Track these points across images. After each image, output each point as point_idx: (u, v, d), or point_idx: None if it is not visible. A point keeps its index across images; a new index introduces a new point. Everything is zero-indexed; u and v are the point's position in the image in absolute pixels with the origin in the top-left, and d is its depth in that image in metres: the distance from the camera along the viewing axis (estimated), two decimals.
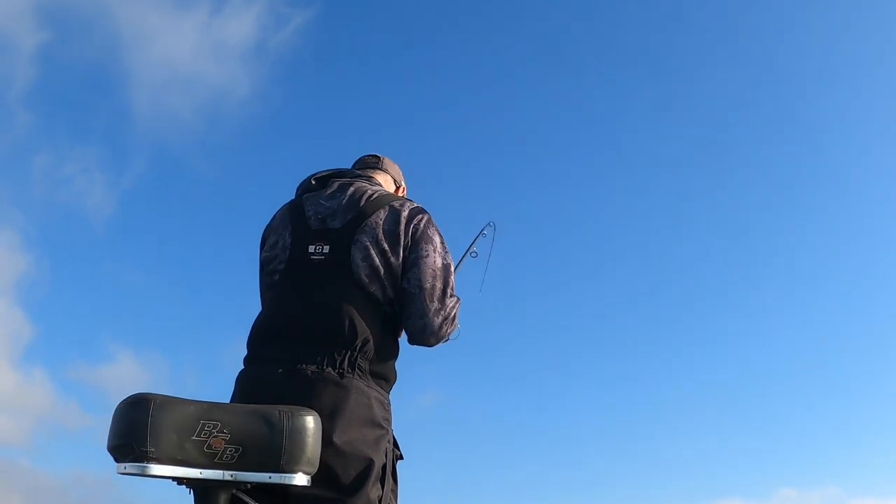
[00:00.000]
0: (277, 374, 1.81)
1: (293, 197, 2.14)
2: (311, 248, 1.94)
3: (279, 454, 1.59)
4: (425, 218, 2.02)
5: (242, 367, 1.94)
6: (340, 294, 1.88)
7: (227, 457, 1.57)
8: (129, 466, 1.53)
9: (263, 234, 2.12)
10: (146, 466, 1.53)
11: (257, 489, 1.66)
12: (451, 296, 2.00)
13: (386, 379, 1.93)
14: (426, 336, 1.97)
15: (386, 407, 1.90)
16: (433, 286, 1.95)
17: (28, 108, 9.86)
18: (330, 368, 1.81)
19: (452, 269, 2.03)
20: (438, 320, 1.96)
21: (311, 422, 1.65)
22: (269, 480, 1.59)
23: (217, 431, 1.57)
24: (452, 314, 2.00)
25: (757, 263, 10.74)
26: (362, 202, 1.99)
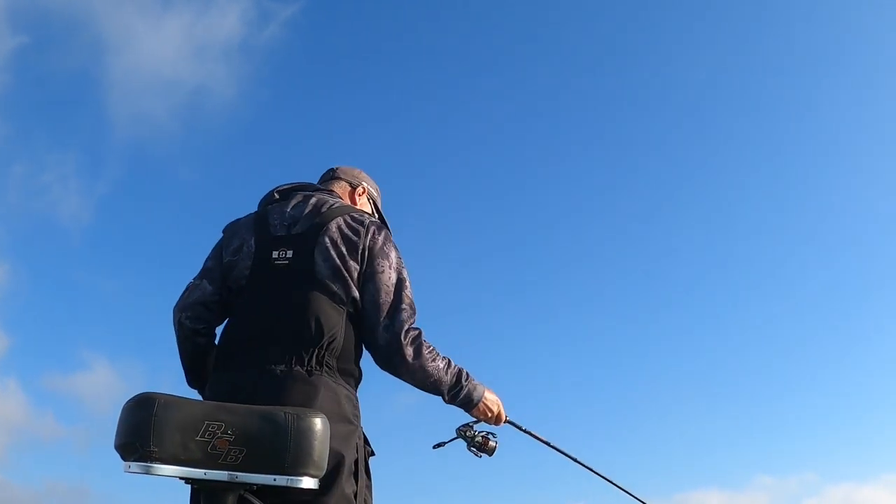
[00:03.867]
0: (247, 377, 1.84)
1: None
2: (275, 254, 1.98)
3: (284, 456, 1.55)
4: (384, 233, 2.05)
5: (213, 375, 1.96)
6: (305, 295, 1.91)
7: (231, 458, 1.54)
8: (134, 465, 1.52)
9: (227, 230, 2.14)
10: (150, 466, 1.51)
11: (265, 491, 1.63)
12: (404, 310, 1.96)
13: (353, 375, 1.96)
14: (376, 352, 1.97)
15: (355, 403, 1.94)
16: (384, 301, 1.96)
17: (2, 117, 9.65)
18: (298, 367, 1.85)
19: (408, 284, 2.02)
20: (388, 336, 1.94)
21: (318, 424, 1.60)
22: (273, 483, 1.56)
23: (221, 432, 1.54)
24: (405, 329, 1.93)
25: (731, 256, 10.69)
26: (323, 209, 2.05)
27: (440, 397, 2.04)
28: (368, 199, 2.35)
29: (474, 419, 2.16)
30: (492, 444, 2.21)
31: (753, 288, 10.68)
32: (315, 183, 2.28)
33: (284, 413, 1.59)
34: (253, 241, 2.02)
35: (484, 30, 10.73)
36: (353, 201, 2.28)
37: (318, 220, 2.01)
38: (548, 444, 2.33)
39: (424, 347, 1.95)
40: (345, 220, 2.02)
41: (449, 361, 2.01)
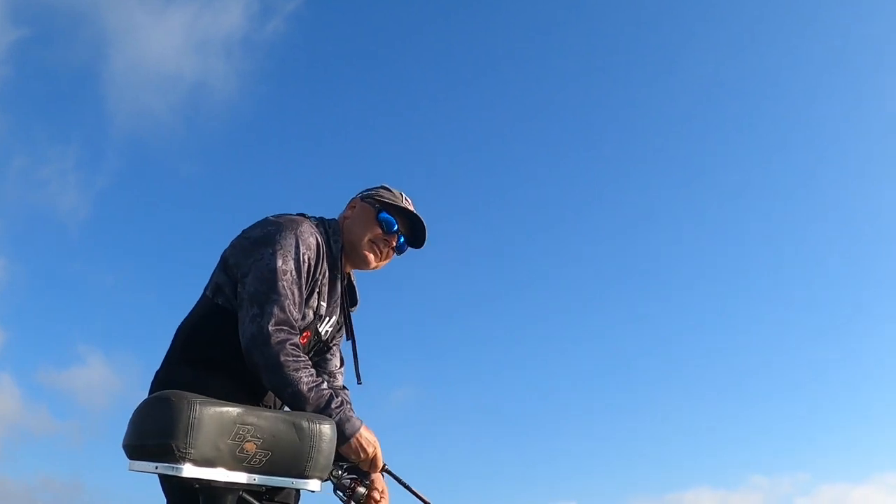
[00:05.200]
0: None
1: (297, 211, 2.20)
2: None
3: (305, 460, 1.64)
4: (277, 225, 1.98)
5: None
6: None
7: (255, 461, 1.58)
8: (162, 466, 1.47)
9: None
10: (180, 468, 1.48)
11: (259, 490, 1.68)
12: (276, 302, 1.86)
13: (206, 360, 1.95)
14: (243, 344, 1.87)
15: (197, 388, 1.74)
16: (257, 290, 1.89)
17: (2, 110, 9.18)
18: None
19: (290, 276, 1.91)
20: (253, 328, 1.85)
21: (329, 430, 1.71)
22: (292, 485, 1.63)
23: (250, 436, 1.57)
24: (272, 322, 1.84)
25: (728, 256, 10.91)
26: None
27: None
28: (372, 204, 2.19)
29: (346, 461, 1.94)
30: (361, 490, 1.95)
31: (749, 289, 10.80)
32: None
33: (307, 419, 1.67)
34: None
35: (491, 26, 10.75)
36: (347, 216, 2.22)
37: None
38: None
39: (289, 353, 1.84)
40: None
41: (320, 383, 1.88)
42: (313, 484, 1.69)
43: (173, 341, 2.04)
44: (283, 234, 1.97)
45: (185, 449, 1.48)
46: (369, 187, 2.27)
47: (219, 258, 2.07)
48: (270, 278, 1.89)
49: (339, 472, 1.93)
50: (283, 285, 1.90)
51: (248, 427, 1.58)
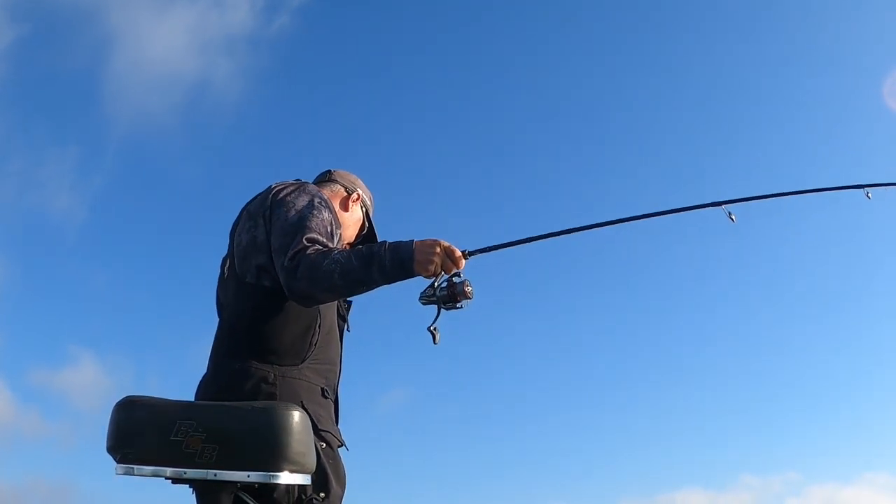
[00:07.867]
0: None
1: None
2: (225, 269, 2.02)
3: (255, 452, 1.52)
4: (294, 186, 1.95)
5: None
6: (229, 293, 1.97)
7: (206, 456, 1.53)
8: (119, 468, 1.56)
9: None
10: (131, 467, 1.54)
11: (249, 488, 1.60)
12: (297, 235, 1.77)
13: (274, 352, 1.85)
14: (287, 291, 1.77)
15: (271, 381, 1.81)
16: (282, 245, 1.79)
17: (1, 109, 9.31)
18: (218, 360, 1.91)
19: (313, 216, 1.84)
20: (284, 273, 1.75)
21: (288, 417, 1.54)
22: (247, 479, 1.52)
23: (193, 431, 1.53)
24: (298, 261, 1.72)
25: (712, 258, 10.32)
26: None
27: (375, 285, 1.74)
28: (361, 207, 2.25)
29: (434, 279, 1.80)
30: (458, 284, 1.79)
31: (739, 288, 10.48)
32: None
33: (252, 407, 1.56)
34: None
35: (504, 25, 10.50)
36: (346, 207, 2.20)
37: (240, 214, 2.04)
38: (532, 238, 1.96)
39: (311, 252, 1.72)
40: (258, 198, 1.99)
41: (353, 250, 1.76)
42: (285, 477, 1.54)
43: (229, 338, 1.91)
44: (299, 191, 1.96)
45: (127, 449, 1.54)
46: (356, 178, 2.27)
47: (236, 244, 1.97)
48: (294, 225, 1.82)
49: (433, 290, 1.82)
50: (307, 225, 1.82)
51: (189, 422, 1.54)
